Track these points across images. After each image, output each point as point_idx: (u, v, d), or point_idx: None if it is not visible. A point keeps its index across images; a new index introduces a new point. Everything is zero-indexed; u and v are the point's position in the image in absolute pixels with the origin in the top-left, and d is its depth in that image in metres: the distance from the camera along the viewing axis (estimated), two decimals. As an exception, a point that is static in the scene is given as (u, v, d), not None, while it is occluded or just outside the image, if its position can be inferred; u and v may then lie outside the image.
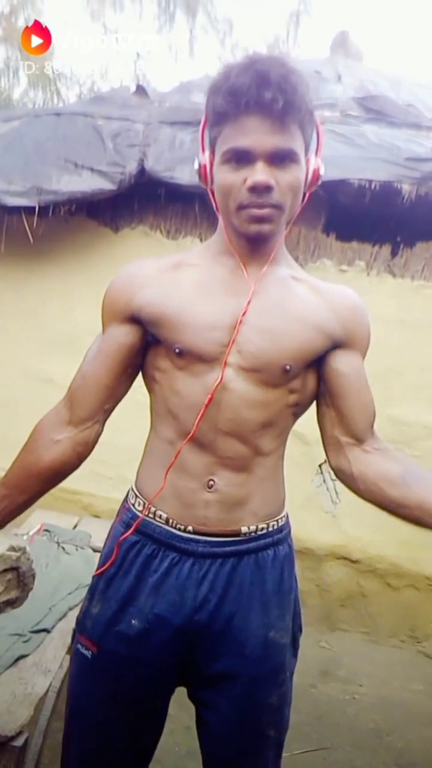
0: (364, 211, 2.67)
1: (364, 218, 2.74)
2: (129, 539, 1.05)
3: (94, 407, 1.05)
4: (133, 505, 1.07)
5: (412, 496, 0.99)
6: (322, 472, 2.81)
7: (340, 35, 4.03)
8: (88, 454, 1.07)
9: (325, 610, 2.84)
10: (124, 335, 1.04)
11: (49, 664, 1.48)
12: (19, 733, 1.23)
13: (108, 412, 1.07)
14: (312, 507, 2.80)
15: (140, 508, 1.05)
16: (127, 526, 1.06)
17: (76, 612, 1.76)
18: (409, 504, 0.99)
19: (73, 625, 1.68)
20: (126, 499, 1.11)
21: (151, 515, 1.04)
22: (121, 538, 1.05)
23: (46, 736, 1.51)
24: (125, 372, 1.05)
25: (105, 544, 1.12)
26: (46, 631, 1.62)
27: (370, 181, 2.57)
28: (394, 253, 2.79)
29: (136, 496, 1.07)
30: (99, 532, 2.35)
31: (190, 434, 0.99)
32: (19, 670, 1.43)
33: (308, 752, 1.91)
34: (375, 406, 1.09)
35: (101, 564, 1.09)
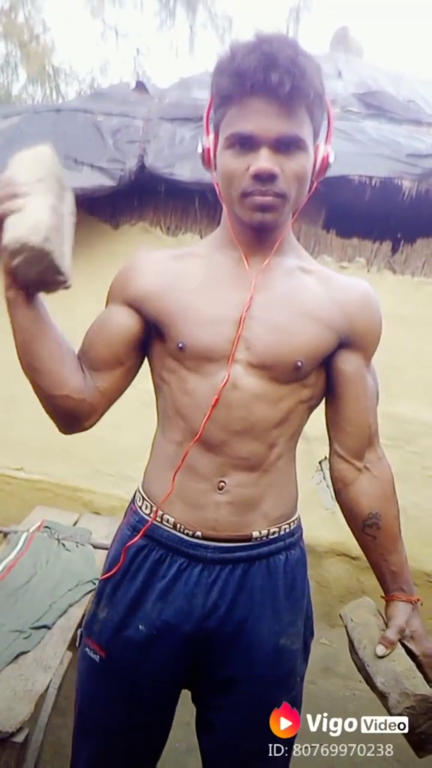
0: (365, 207, 2.66)
1: (364, 215, 2.73)
2: (136, 543, 1.02)
3: (93, 365, 0.99)
4: (140, 507, 1.04)
5: (368, 551, 1.10)
6: (322, 469, 2.81)
7: (340, 31, 4.03)
8: (88, 401, 0.97)
9: (325, 606, 2.84)
10: (117, 316, 1.00)
11: (49, 661, 1.48)
12: (20, 730, 1.23)
13: (101, 397, 0.99)
14: (312, 504, 2.80)
15: (147, 512, 1.02)
16: (134, 530, 1.03)
17: (76, 609, 1.76)
18: (364, 551, 1.10)
19: (72, 621, 1.69)
20: (133, 501, 1.08)
21: (158, 519, 1.00)
22: (129, 543, 1.02)
23: (46, 733, 1.51)
24: (116, 355, 0.99)
25: (111, 546, 1.09)
26: (47, 627, 1.62)
27: (371, 178, 2.56)
28: (394, 250, 2.79)
29: (144, 498, 1.04)
30: (99, 529, 2.36)
31: (197, 436, 0.95)
32: (20, 667, 1.43)
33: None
34: (376, 420, 1.06)
35: (108, 568, 1.06)
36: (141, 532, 1.01)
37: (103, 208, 2.95)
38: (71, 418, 0.98)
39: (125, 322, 1.00)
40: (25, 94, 7.71)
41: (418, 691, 0.93)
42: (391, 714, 0.95)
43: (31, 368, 0.94)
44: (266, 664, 1.00)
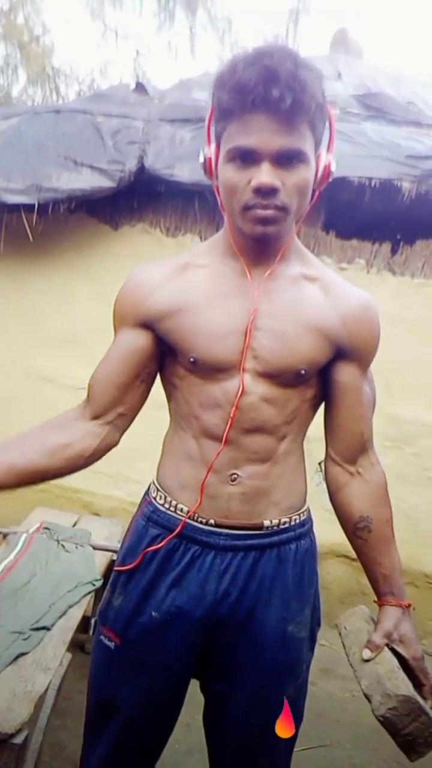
0: (364, 208, 2.67)
1: (364, 216, 2.73)
2: (150, 533, 1.06)
3: (106, 404, 1.03)
4: (155, 498, 1.08)
5: (359, 554, 1.12)
6: (322, 470, 2.81)
7: (339, 32, 4.02)
8: (96, 451, 1.03)
9: (325, 608, 2.81)
10: (135, 339, 1.03)
11: (48, 662, 1.48)
12: (19, 731, 1.23)
13: (122, 419, 1.05)
14: (312, 505, 2.80)
15: (162, 502, 1.06)
16: (149, 520, 1.07)
17: (76, 610, 1.76)
18: (357, 554, 1.13)
19: (72, 622, 1.69)
20: (147, 493, 1.12)
21: (172, 509, 1.05)
22: (150, 548, 1.05)
23: (46, 734, 1.51)
24: (138, 377, 1.04)
25: (125, 536, 1.12)
26: (46, 628, 1.61)
27: (370, 179, 2.57)
28: (394, 251, 2.79)
29: (158, 489, 1.08)
30: (99, 531, 2.36)
31: (221, 445, 0.99)
32: (19, 668, 1.43)
33: (308, 749, 1.91)
34: (371, 428, 1.09)
35: (122, 557, 1.10)
36: (172, 534, 1.03)
37: (103, 210, 2.95)
38: (98, 458, 1.05)
39: (141, 343, 1.03)
40: (24, 96, 7.72)
41: (399, 691, 0.93)
42: (375, 717, 0.95)
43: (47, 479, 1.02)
44: (273, 651, 1.03)
